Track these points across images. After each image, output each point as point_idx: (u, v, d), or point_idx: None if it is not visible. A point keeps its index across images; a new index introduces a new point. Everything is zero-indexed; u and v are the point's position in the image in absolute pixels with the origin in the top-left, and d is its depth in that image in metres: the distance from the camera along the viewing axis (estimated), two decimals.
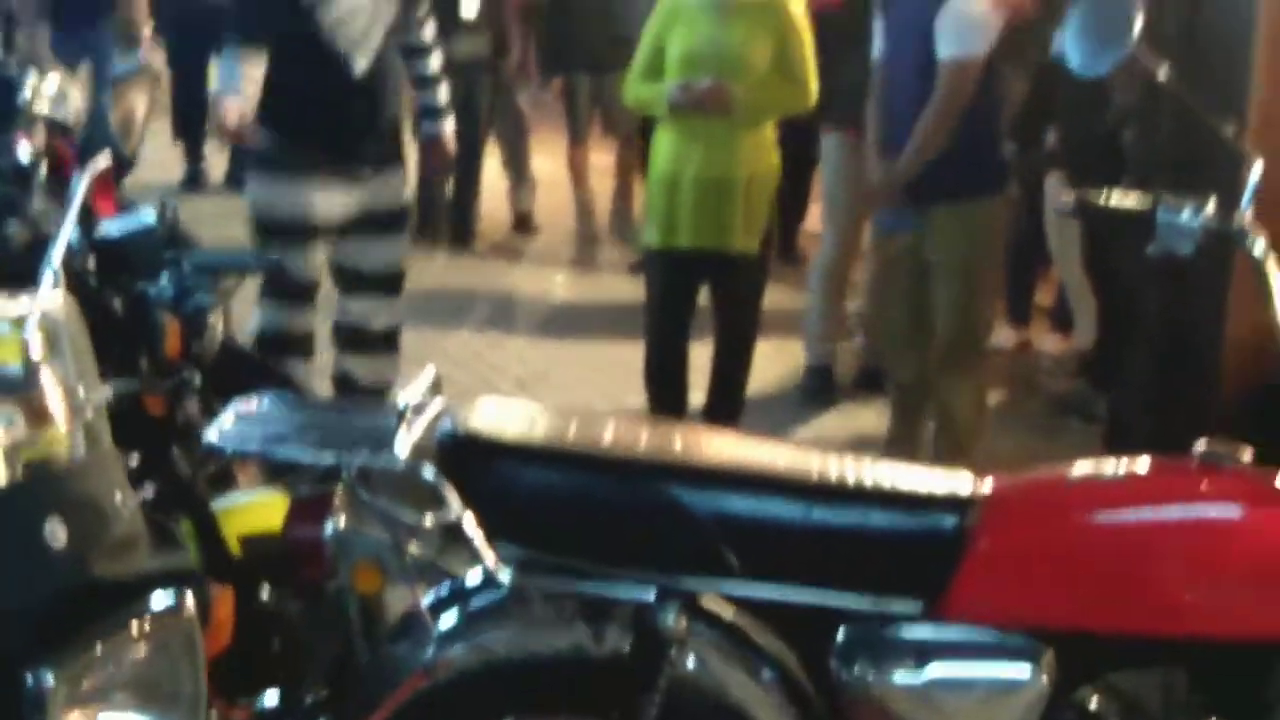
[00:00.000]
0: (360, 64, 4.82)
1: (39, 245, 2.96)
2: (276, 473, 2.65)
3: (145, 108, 2.24)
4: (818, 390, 6.36)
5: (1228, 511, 2.29)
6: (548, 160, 9.26)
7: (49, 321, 1.63)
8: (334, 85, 4.82)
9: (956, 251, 4.80)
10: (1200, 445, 2.34)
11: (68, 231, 1.90)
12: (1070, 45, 2.65)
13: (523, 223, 9.05)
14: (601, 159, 8.98)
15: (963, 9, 4.67)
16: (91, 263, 3.06)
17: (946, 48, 4.67)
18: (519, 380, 6.32)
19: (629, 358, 6.06)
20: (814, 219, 7.94)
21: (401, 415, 2.34)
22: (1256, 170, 2.45)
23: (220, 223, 7.42)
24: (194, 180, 9.59)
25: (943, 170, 4.74)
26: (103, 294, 3.00)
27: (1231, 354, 3.82)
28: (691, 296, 5.31)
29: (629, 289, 7.90)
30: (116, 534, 1.58)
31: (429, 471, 2.28)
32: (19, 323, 1.59)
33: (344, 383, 5.16)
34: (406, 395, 2.39)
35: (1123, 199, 2.68)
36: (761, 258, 5.19)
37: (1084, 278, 6.39)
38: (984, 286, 4.97)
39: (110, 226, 3.04)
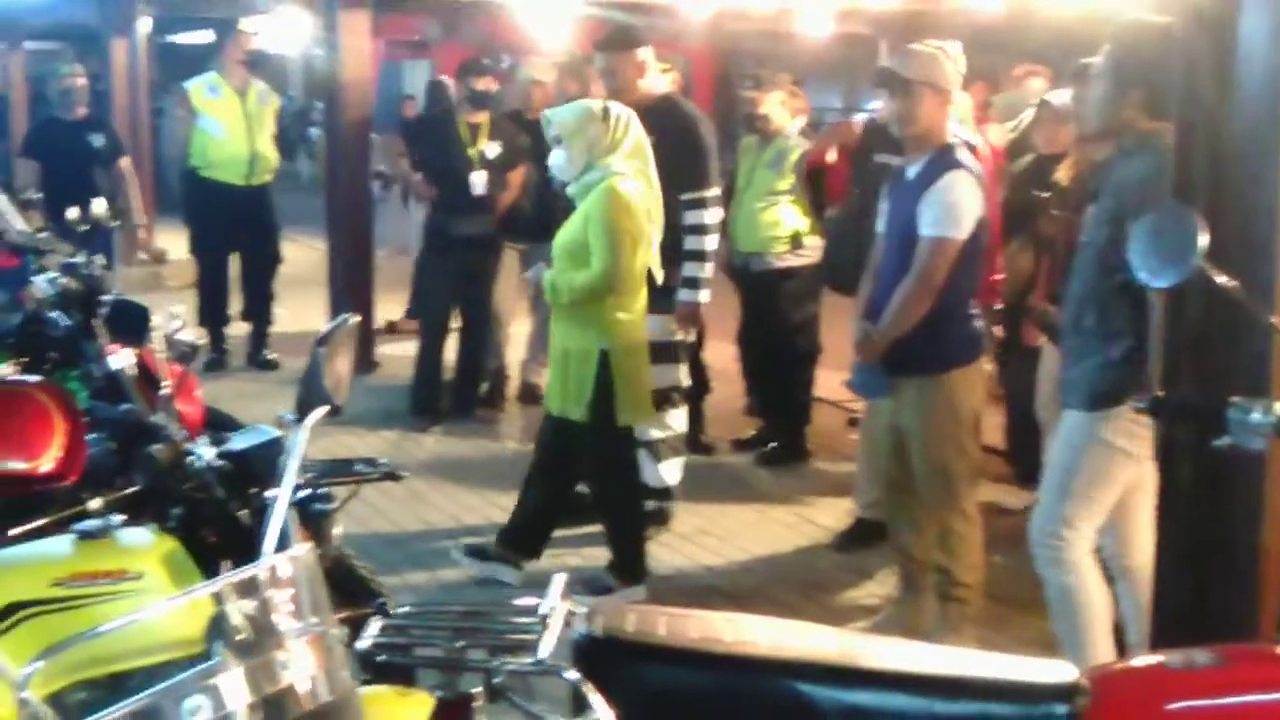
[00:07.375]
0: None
1: (179, 462, 3.13)
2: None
3: (351, 361, 2.41)
4: (860, 540, 6.56)
5: None
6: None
7: (301, 569, 1.79)
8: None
9: (925, 422, 5.11)
10: None
11: (290, 482, 2.05)
12: (1136, 260, 2.86)
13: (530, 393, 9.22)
14: None
15: (945, 196, 4.99)
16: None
17: (927, 227, 5.00)
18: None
19: None
20: None
21: (544, 619, 2.51)
22: None
23: (246, 403, 7.65)
24: (218, 363, 9.79)
25: (912, 345, 5.04)
26: (228, 505, 3.17)
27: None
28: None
29: None
30: None
31: (571, 673, 2.45)
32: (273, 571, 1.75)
33: None
34: (546, 602, 2.55)
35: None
36: (594, 428, 5.67)
37: None
38: (953, 454, 5.16)
39: (237, 441, 3.22)
